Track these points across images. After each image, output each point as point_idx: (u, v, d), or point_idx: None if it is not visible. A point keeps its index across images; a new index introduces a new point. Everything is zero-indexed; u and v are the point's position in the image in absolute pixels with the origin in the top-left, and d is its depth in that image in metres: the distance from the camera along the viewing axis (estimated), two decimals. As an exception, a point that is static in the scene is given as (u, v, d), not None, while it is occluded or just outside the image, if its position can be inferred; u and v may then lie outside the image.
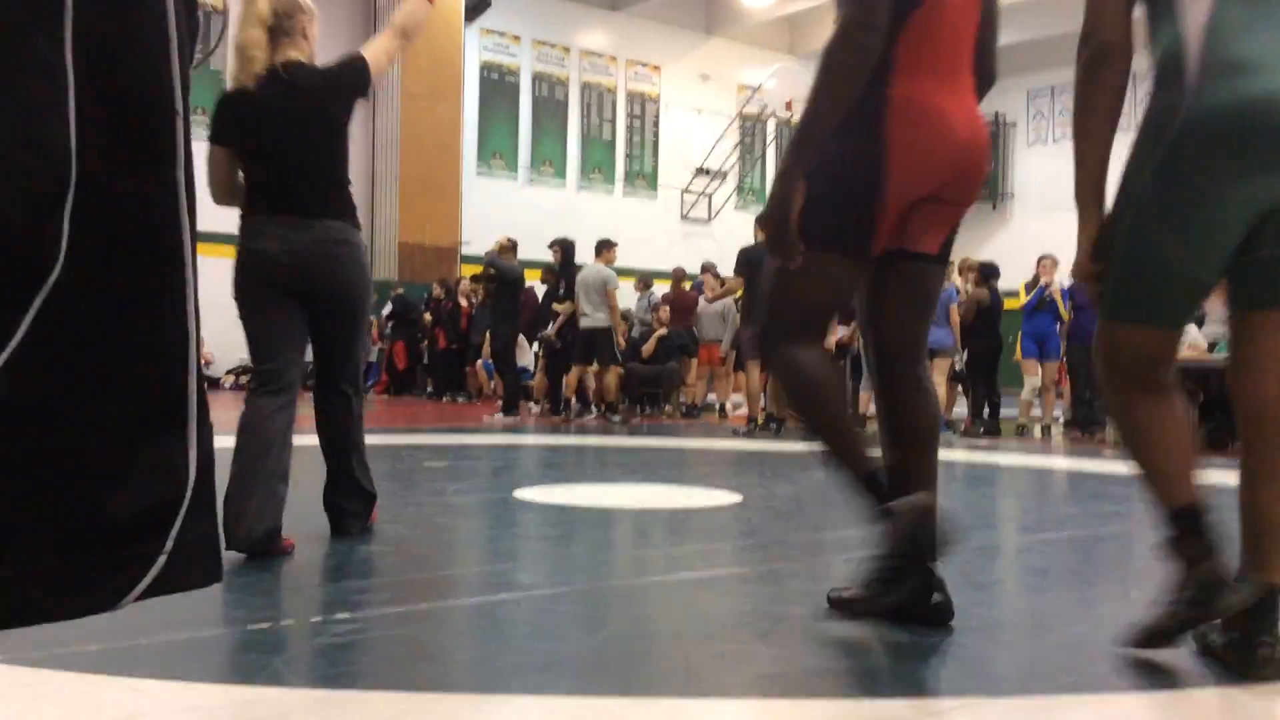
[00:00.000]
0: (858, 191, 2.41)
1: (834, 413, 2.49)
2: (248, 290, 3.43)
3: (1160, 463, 2.33)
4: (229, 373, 16.29)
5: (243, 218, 3.44)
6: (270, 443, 3.32)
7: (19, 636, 2.22)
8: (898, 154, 2.38)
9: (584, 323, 10.36)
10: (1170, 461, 2.34)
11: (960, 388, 10.54)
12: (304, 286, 3.37)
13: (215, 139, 3.40)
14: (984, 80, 2.68)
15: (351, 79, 3.41)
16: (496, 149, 19.11)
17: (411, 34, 3.55)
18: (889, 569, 2.44)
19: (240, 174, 3.44)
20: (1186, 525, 2.25)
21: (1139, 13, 2.23)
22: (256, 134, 3.35)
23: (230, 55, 3.39)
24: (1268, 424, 2.22)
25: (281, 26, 3.34)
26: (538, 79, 19.52)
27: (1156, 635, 2.24)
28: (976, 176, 2.53)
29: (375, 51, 3.49)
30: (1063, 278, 10.52)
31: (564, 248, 10.93)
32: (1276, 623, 2.13)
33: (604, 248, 10.42)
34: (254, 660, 2.13)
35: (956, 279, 10.46)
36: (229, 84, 3.38)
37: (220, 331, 18.42)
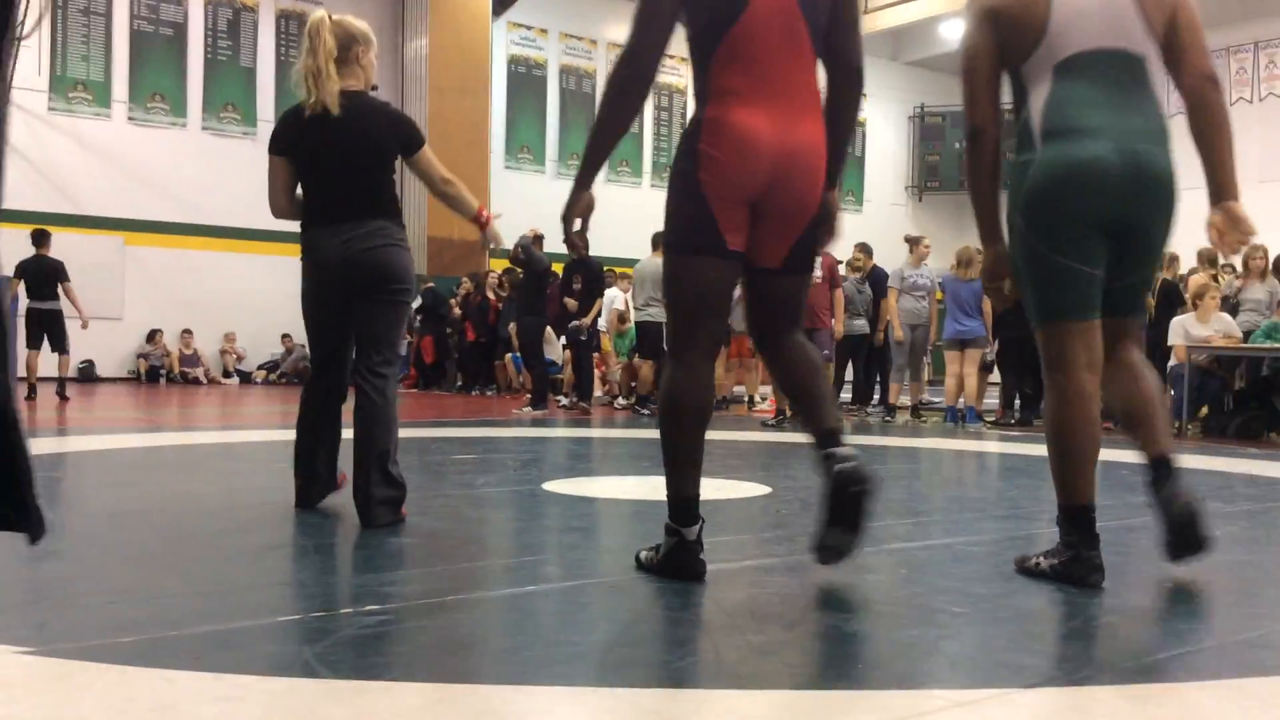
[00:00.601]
0: (687, 200, 2.81)
1: (678, 441, 2.88)
2: (310, 297, 3.83)
3: (1080, 459, 2.97)
4: (260, 368, 16.43)
5: (302, 230, 3.81)
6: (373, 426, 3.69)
7: (55, 629, 2.26)
8: (706, 165, 2.77)
9: (640, 316, 10.45)
10: (1089, 460, 2.98)
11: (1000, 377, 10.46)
12: (352, 276, 3.70)
13: (276, 150, 3.80)
14: (847, 73, 2.96)
15: (406, 138, 3.81)
16: (524, 142, 19.13)
17: (456, 201, 3.96)
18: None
19: (299, 187, 3.84)
20: (1084, 521, 2.97)
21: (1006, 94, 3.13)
22: (315, 153, 3.73)
23: (299, 79, 3.74)
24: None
25: (342, 56, 3.72)
26: (565, 72, 19.52)
27: (1026, 569, 3.07)
28: (792, 188, 2.82)
29: (435, 161, 3.92)
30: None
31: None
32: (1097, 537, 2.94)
33: (660, 241, 10.44)
34: (285, 652, 2.14)
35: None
36: (306, 106, 3.72)
37: (254, 330, 18.64)
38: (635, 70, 2.81)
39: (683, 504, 2.87)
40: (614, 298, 12.40)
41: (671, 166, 2.89)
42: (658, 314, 10.10)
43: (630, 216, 15.07)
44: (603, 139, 2.88)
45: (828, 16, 2.87)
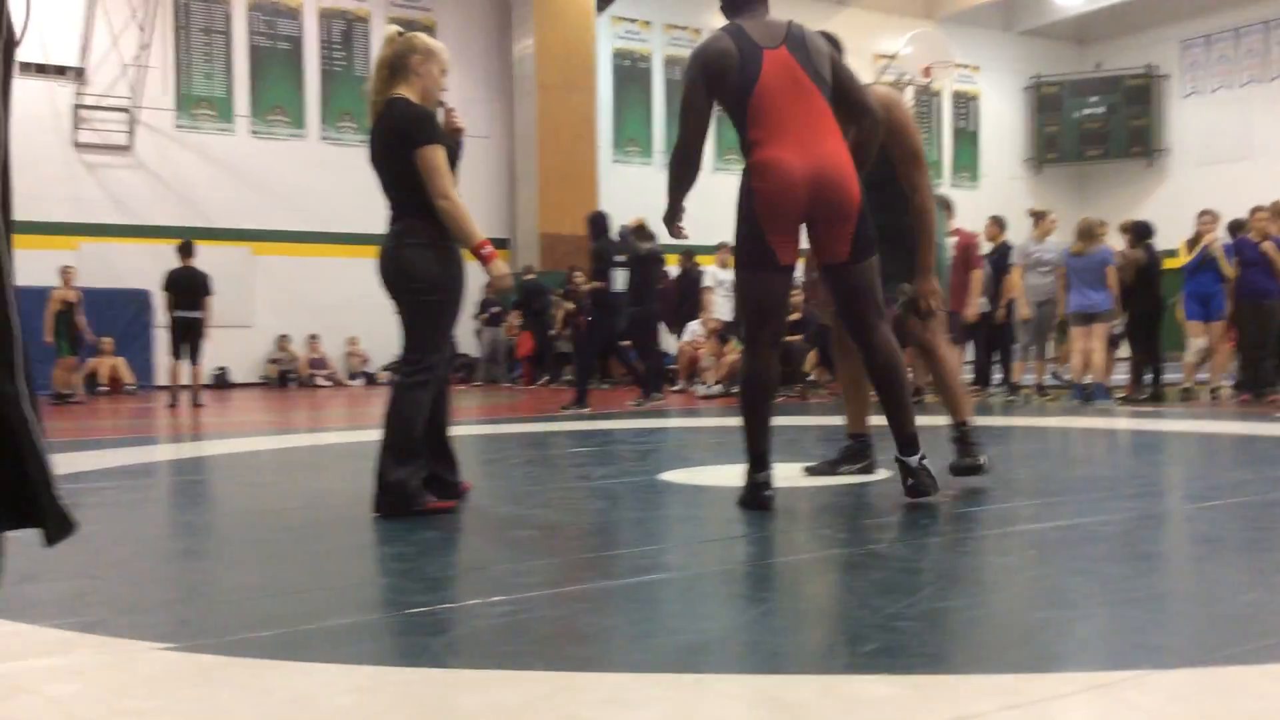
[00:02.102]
0: (746, 227, 3.64)
1: (751, 411, 3.73)
2: (383, 289, 3.95)
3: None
4: (384, 369, 16.83)
5: None
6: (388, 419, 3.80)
7: (196, 626, 2.35)
8: (759, 199, 3.59)
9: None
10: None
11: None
12: (384, 274, 3.86)
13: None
14: (857, 111, 3.77)
15: (405, 134, 3.77)
16: (631, 136, 19.19)
17: (450, 221, 3.80)
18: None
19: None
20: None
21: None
22: (373, 159, 3.90)
23: None
24: None
25: (396, 65, 3.86)
26: (670, 63, 19.51)
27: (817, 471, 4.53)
28: (830, 197, 3.57)
29: (434, 164, 3.76)
30: (1224, 234, 10.03)
31: (591, 222, 10.35)
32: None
33: None
34: (415, 643, 2.20)
35: (1112, 241, 10.06)
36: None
37: (376, 332, 18.99)
38: (687, 154, 3.77)
39: (757, 456, 3.71)
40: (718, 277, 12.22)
41: (737, 200, 3.67)
42: None
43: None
44: (675, 195, 3.87)
45: (829, 70, 3.70)
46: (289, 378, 16.58)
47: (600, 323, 10.02)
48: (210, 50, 16.60)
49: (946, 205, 9.05)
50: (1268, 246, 9.24)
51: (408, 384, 3.80)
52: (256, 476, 5.40)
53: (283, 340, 16.69)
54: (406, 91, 3.86)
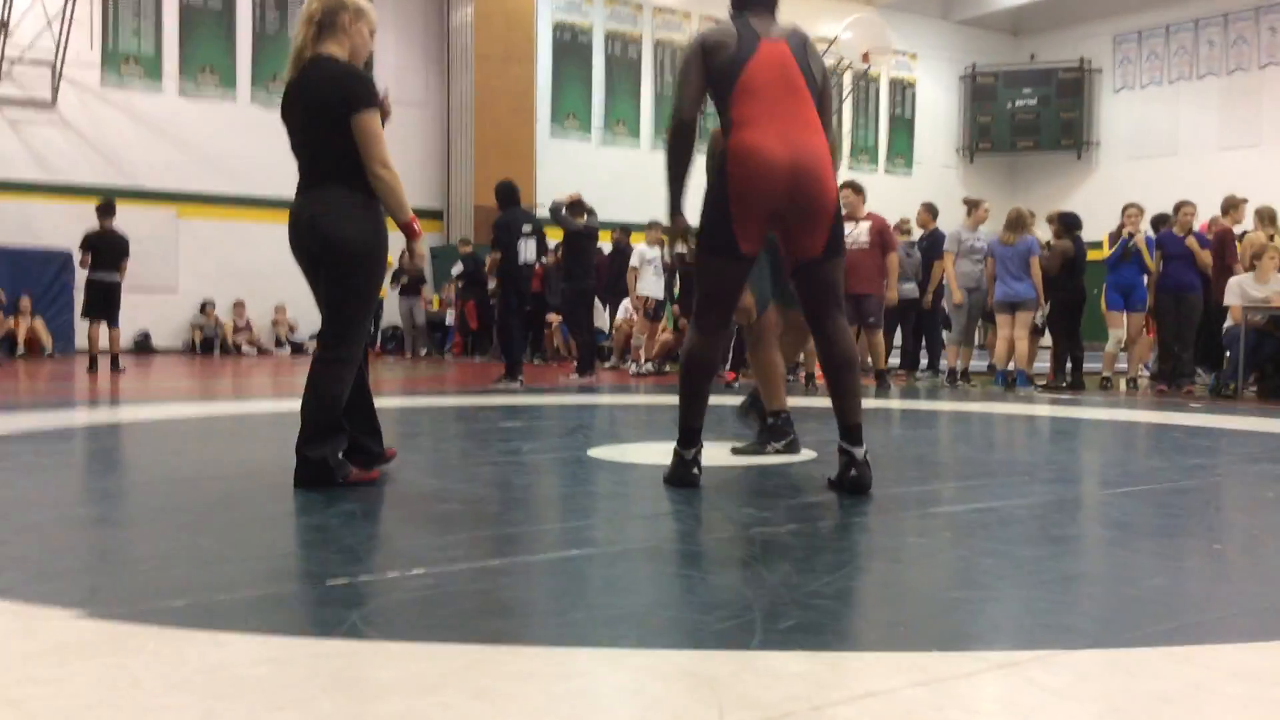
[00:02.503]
0: (714, 210, 3.62)
1: (690, 388, 3.80)
2: (295, 258, 3.82)
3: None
4: (312, 338, 16.61)
5: None
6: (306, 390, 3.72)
7: (108, 593, 2.31)
8: (733, 184, 3.56)
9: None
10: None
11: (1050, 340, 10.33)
12: (306, 244, 3.71)
13: (281, 116, 3.83)
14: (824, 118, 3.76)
15: (344, 98, 3.64)
16: (570, 110, 19.09)
17: (384, 194, 3.70)
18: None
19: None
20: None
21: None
22: (289, 116, 3.76)
23: None
24: None
25: (325, 22, 3.73)
26: (610, 38, 19.42)
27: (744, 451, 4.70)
28: (809, 190, 3.55)
29: (375, 131, 3.67)
30: (1148, 227, 10.25)
31: (498, 192, 10.13)
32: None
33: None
34: (331, 614, 2.18)
35: (1040, 231, 10.23)
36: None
37: (305, 301, 18.74)
38: (682, 121, 3.71)
39: (689, 432, 3.79)
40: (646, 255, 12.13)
41: (707, 180, 3.71)
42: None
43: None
44: (674, 176, 3.78)
45: (820, 80, 3.73)
46: (213, 344, 16.30)
47: (507, 294, 9.92)
48: (139, 6, 16.18)
49: (858, 190, 9.16)
50: (1192, 242, 9.47)
51: (330, 358, 3.72)
52: (175, 444, 5.30)
53: (207, 306, 16.39)
54: (335, 49, 3.74)
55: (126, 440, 5.53)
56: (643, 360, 11.95)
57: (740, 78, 3.61)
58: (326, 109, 3.65)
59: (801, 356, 10.55)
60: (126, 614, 2.11)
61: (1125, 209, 9.89)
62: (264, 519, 3.28)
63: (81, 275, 11.43)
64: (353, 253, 3.68)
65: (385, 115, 3.82)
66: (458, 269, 15.01)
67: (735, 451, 4.69)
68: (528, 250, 9.67)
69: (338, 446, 3.74)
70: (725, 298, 3.73)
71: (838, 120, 21.84)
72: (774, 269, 4.72)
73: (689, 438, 3.79)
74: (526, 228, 9.70)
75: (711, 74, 3.67)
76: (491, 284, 11.07)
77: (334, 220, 3.65)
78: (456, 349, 15.55)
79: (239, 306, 16.53)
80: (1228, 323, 9.25)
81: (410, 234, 3.78)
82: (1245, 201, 10.06)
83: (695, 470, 3.77)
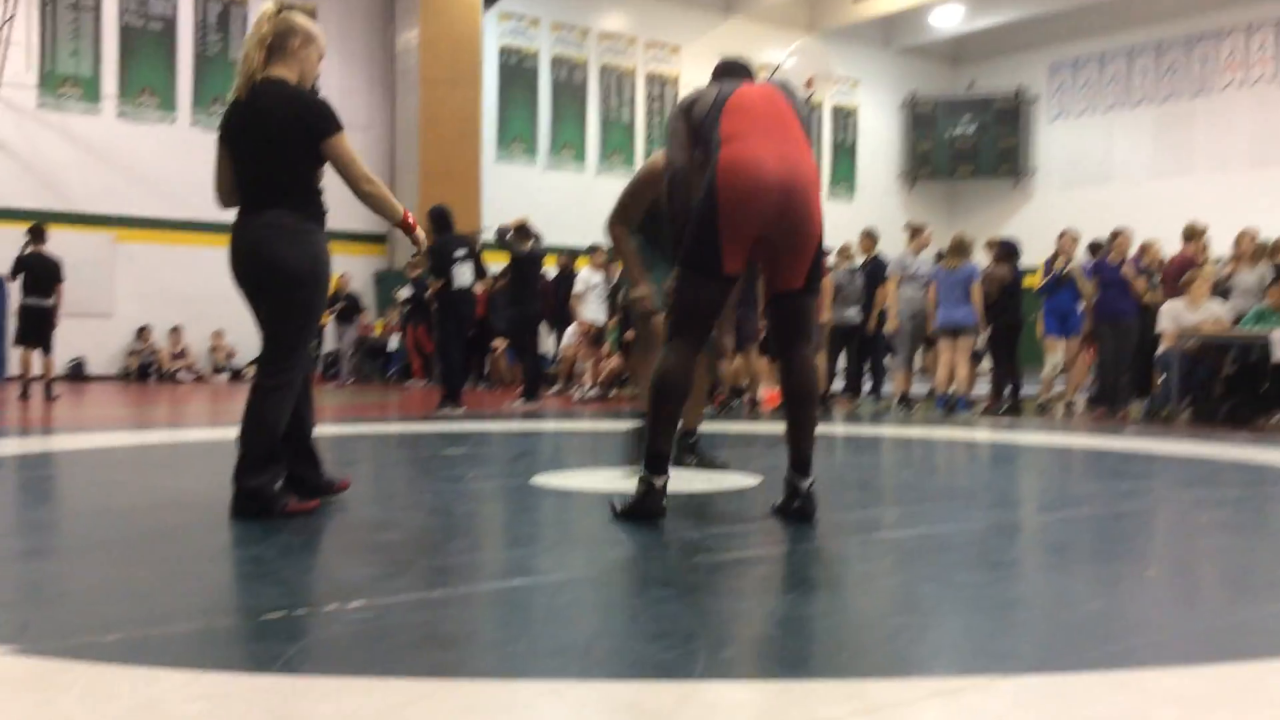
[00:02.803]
0: (700, 228, 3.47)
1: (660, 411, 3.59)
2: (236, 283, 3.76)
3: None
4: (250, 364, 16.40)
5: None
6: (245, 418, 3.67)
7: (39, 628, 2.25)
8: (723, 198, 3.41)
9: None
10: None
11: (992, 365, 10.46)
12: (246, 267, 3.68)
13: (220, 138, 3.76)
14: None
15: (311, 124, 3.64)
16: (516, 134, 19.08)
17: (378, 202, 3.75)
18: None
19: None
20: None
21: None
22: (234, 138, 3.70)
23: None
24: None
25: (275, 45, 3.71)
26: (557, 62, 19.45)
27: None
28: (800, 215, 3.46)
29: (351, 151, 3.68)
30: (1083, 253, 10.44)
31: (431, 217, 9.90)
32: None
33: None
34: (268, 649, 2.14)
35: (978, 257, 10.39)
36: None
37: (244, 326, 18.51)
38: (677, 168, 3.67)
39: (659, 458, 3.60)
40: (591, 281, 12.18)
41: (698, 199, 3.52)
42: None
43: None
44: (675, 213, 3.72)
45: (805, 119, 3.69)
46: (149, 371, 16.03)
47: (446, 320, 9.88)
48: (78, 28, 15.95)
49: None
50: (1128, 270, 9.66)
51: (270, 385, 3.67)
52: (109, 474, 5.20)
53: (144, 331, 16.13)
54: (284, 73, 3.71)
55: (59, 470, 5.42)
56: (588, 385, 11.94)
57: (726, 105, 3.57)
58: (285, 133, 3.61)
59: (746, 382, 10.62)
60: (58, 649, 2.06)
61: (1060, 235, 10.07)
62: (199, 551, 3.22)
63: (15, 300, 11.19)
64: (295, 277, 3.64)
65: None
66: (405, 293, 14.89)
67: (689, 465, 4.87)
68: (462, 275, 9.62)
69: (276, 476, 3.69)
70: (702, 318, 3.60)
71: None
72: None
73: (657, 464, 3.61)
74: (461, 252, 9.64)
75: (694, 122, 3.62)
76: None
77: (276, 245, 3.62)
78: (418, 373, 15.34)
79: (176, 332, 16.28)
80: (1162, 347, 9.44)
81: (407, 229, 3.84)
82: (1206, 229, 10.20)
83: (662, 502, 3.63)
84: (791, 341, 3.65)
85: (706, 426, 5.65)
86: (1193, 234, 10.06)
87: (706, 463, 4.85)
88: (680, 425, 4.72)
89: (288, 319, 3.69)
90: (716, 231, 3.44)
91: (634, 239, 4.63)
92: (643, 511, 3.60)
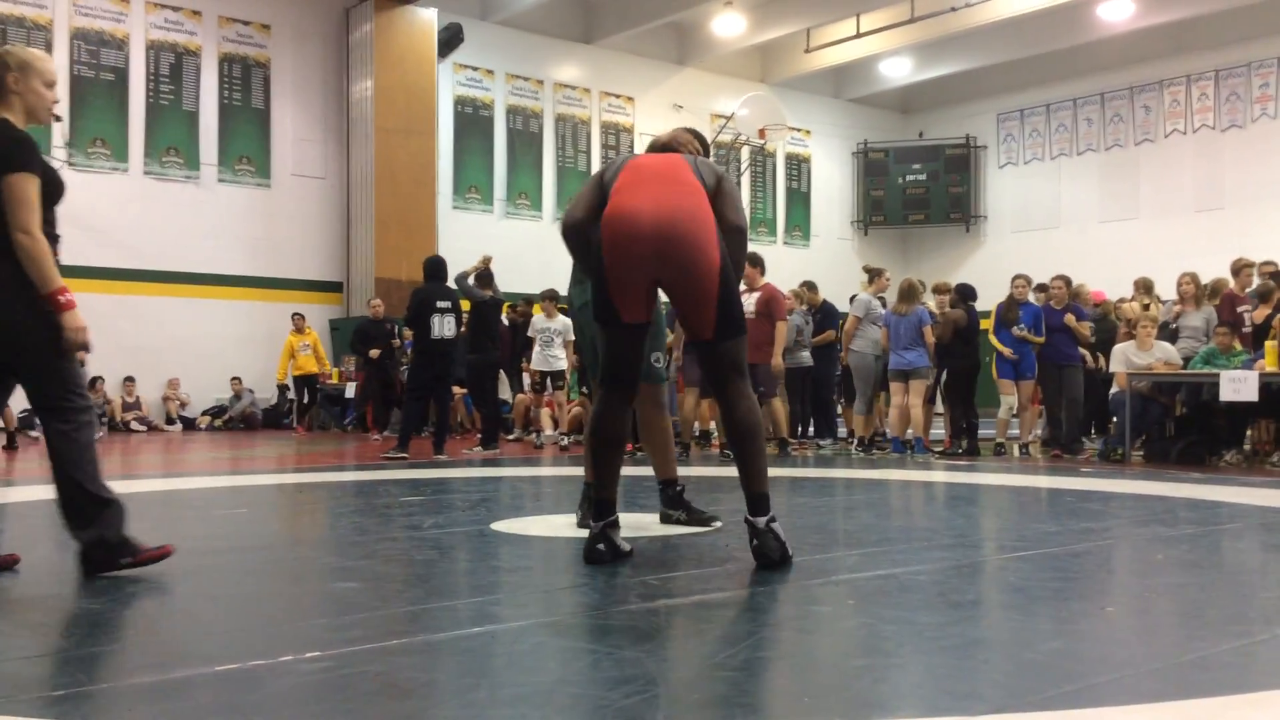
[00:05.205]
0: (597, 282, 3.62)
1: (595, 458, 3.75)
2: None
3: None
4: (205, 414, 16.21)
5: None
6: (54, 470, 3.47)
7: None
8: (604, 250, 3.56)
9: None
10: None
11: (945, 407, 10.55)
12: None
13: None
14: (725, 226, 3.69)
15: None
16: (472, 183, 19.11)
17: (27, 262, 3.41)
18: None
19: None
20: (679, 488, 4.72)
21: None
22: None
23: None
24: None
25: None
26: (512, 112, 19.55)
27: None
28: (681, 257, 3.49)
29: (23, 195, 3.40)
30: (1036, 298, 10.57)
31: (424, 266, 10.23)
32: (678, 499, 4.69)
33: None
34: (222, 702, 2.09)
35: (929, 301, 10.50)
36: None
37: (199, 375, 18.19)
38: (568, 220, 3.86)
39: (601, 504, 3.73)
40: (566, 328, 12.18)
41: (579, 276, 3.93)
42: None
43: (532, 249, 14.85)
44: (578, 261, 4.07)
45: (713, 183, 3.70)
46: (102, 422, 15.79)
47: (417, 369, 9.94)
48: (28, 77, 15.83)
49: (755, 262, 9.37)
50: (1070, 319, 9.80)
51: (69, 429, 3.47)
52: (56, 527, 5.09)
53: (96, 382, 15.90)
54: (7, 113, 3.48)
55: (13, 523, 5.30)
56: (544, 432, 11.89)
57: (624, 166, 3.75)
58: None
59: (712, 425, 10.64)
60: (3, 706, 2.01)
61: (1014, 279, 10.20)
62: (151, 602, 3.16)
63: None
64: (21, 329, 3.43)
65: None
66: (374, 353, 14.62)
67: (665, 521, 4.73)
68: (444, 326, 9.72)
69: (112, 521, 3.46)
70: (620, 367, 3.70)
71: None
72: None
73: (600, 509, 3.73)
74: (444, 304, 9.73)
75: (605, 184, 3.75)
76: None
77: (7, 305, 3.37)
78: (371, 425, 15.07)
79: (129, 383, 16.07)
80: (1114, 389, 9.56)
81: (55, 306, 3.42)
82: (1251, 266, 10.27)
83: (600, 546, 3.68)
84: (723, 383, 3.68)
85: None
86: (1239, 268, 10.10)
87: (695, 517, 4.68)
88: (658, 477, 4.73)
89: (53, 362, 3.48)
90: (605, 281, 3.58)
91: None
92: (589, 557, 3.67)
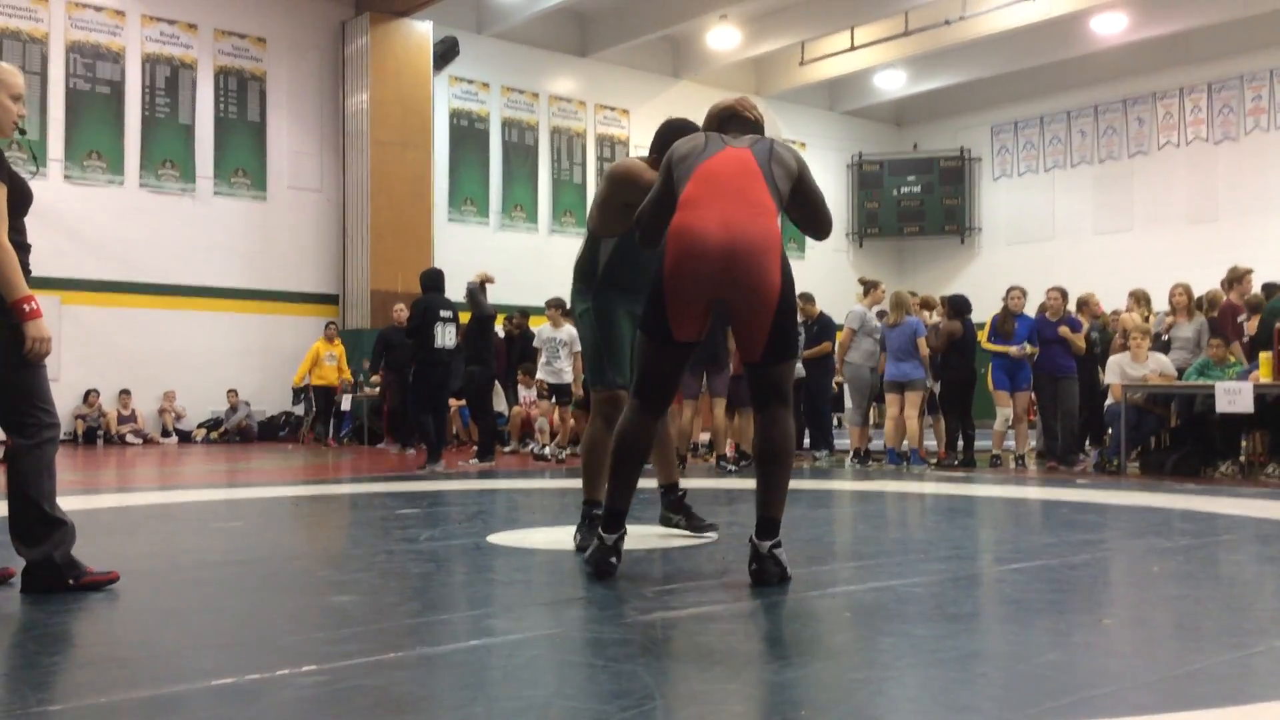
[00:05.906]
0: (653, 296, 3.54)
1: (616, 469, 3.67)
2: None
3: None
4: (201, 426, 16.18)
5: None
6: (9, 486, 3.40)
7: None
8: (668, 264, 3.47)
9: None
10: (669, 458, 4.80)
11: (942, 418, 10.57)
12: None
13: None
14: (810, 229, 4.00)
15: None
16: (468, 195, 19.13)
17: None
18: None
19: None
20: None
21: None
22: None
23: None
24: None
25: None
26: (508, 125, 19.58)
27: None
28: (746, 280, 3.42)
29: None
30: (1031, 310, 10.59)
31: (421, 280, 10.31)
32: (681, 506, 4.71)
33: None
34: (219, 715, 2.09)
35: (923, 313, 10.52)
36: None
37: (194, 387, 18.12)
38: (645, 234, 3.77)
39: (614, 514, 3.66)
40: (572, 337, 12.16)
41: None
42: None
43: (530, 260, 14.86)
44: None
45: (788, 185, 3.66)
46: (97, 434, 15.75)
47: (421, 379, 9.99)
48: (25, 92, 15.84)
49: None
50: (1065, 330, 9.82)
51: (31, 445, 3.41)
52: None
53: (91, 395, 15.87)
54: None
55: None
56: (544, 444, 11.89)
57: (697, 169, 3.56)
58: None
59: (704, 436, 10.64)
60: (-3, 722, 2.01)
61: (1009, 291, 10.22)
62: (147, 616, 3.15)
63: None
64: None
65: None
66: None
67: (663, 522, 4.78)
68: (445, 335, 9.81)
69: (61, 541, 3.41)
70: (659, 381, 3.64)
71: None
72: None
73: (612, 521, 3.65)
74: (446, 313, 9.81)
75: (673, 187, 3.62)
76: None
77: None
78: (387, 435, 14.98)
79: (124, 395, 16.04)
80: (1109, 401, 9.57)
81: (20, 315, 3.41)
82: (1250, 272, 10.25)
83: (613, 559, 3.62)
84: (763, 405, 3.61)
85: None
86: (1236, 278, 10.05)
87: (694, 524, 4.68)
88: (660, 482, 4.78)
89: (23, 379, 3.45)
90: (663, 296, 3.50)
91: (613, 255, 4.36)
92: (593, 567, 3.64)
